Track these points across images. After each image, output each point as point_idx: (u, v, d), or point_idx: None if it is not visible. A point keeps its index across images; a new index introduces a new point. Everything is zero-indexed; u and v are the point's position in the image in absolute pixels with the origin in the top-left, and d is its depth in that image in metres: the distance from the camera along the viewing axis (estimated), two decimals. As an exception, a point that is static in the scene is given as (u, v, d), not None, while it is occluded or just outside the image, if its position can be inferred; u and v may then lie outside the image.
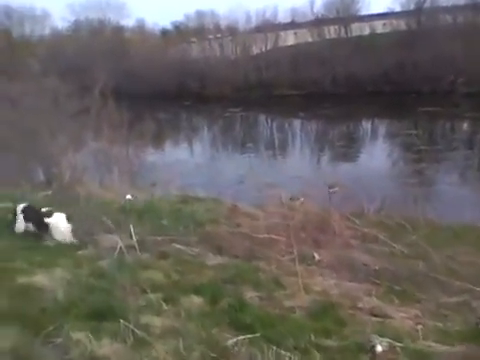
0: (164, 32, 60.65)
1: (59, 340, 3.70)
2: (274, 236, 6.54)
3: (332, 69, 32.50)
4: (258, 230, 7.39)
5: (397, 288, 5.09)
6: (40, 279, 5.11)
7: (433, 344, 3.96)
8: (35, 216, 6.97)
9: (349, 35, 37.80)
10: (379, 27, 37.46)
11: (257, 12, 42.23)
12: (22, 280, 5.07)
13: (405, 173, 17.61)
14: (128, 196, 11.10)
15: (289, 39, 40.86)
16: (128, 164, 14.14)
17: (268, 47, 40.27)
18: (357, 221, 7.68)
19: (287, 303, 4.62)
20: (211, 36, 44.89)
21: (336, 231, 7.30)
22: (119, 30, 47.89)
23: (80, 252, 6.34)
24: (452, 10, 32.95)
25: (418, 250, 6.75)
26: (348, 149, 22.33)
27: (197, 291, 4.80)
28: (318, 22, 39.09)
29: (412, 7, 34.22)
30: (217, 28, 47.86)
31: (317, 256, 5.97)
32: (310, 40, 39.23)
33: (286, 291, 4.89)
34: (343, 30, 38.17)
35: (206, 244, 6.74)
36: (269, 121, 32.21)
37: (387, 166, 18.77)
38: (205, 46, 43.57)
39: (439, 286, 5.29)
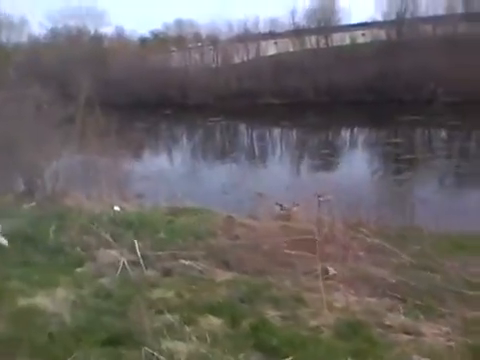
0: (143, 40, 60.27)
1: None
2: (291, 251, 6.25)
3: (314, 78, 32.54)
4: (260, 242, 7.13)
5: (418, 303, 4.87)
6: (42, 301, 4.75)
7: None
8: None
9: (330, 45, 38.03)
10: (361, 37, 37.84)
11: (238, 22, 42.21)
12: (22, 302, 4.70)
13: (389, 182, 17.67)
14: (116, 207, 10.71)
15: (270, 49, 40.93)
16: (114, 175, 13.70)
17: (249, 57, 40.23)
18: (364, 231, 7.46)
19: (312, 322, 4.36)
20: (191, 45, 44.67)
21: (342, 242, 7.09)
22: (98, 38, 47.20)
23: (79, 269, 5.97)
24: (432, 20, 33.55)
25: (427, 261, 6.60)
26: (332, 158, 22.29)
27: (214, 311, 4.50)
28: (299, 32, 39.24)
29: (393, 17, 34.59)
30: (198, 37, 47.72)
31: (332, 270, 5.73)
32: (291, 50, 39.40)
33: (309, 309, 4.63)
34: (324, 40, 38.42)
35: (211, 259, 6.42)
36: (252, 130, 32.06)
37: (370, 175, 18.79)
38: (186, 55, 43.26)
39: (460, 299, 5.10)
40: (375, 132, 28.55)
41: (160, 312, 4.35)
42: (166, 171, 19.97)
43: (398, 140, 24.71)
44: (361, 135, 28.93)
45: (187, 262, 6.00)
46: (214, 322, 4.31)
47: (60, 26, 47.15)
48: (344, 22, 39.85)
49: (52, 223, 8.26)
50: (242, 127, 33.10)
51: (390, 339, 4.06)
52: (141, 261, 5.72)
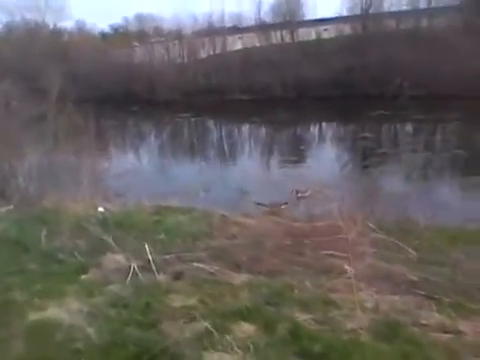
0: (103, 35, 58.74)
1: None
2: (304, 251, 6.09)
3: (282, 74, 32.46)
4: (262, 241, 6.94)
5: (446, 300, 4.80)
6: (54, 313, 4.41)
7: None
8: None
9: (296, 40, 38.12)
10: (326, 32, 38.08)
11: (203, 16, 41.74)
12: (34, 316, 4.35)
13: (363, 177, 17.79)
14: (100, 208, 10.28)
15: (237, 43, 40.63)
16: (91, 174, 13.17)
17: (216, 51, 39.81)
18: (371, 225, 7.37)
19: (348, 325, 4.20)
20: (154, 40, 43.80)
21: (349, 238, 6.98)
22: (58, 32, 45.60)
23: (83, 276, 5.60)
24: (396, 15, 34.16)
25: (435, 255, 6.58)
26: (304, 154, 22.30)
27: (244, 317, 4.28)
28: (265, 27, 39.16)
29: (358, 12, 34.97)
30: (160, 32, 46.91)
31: (349, 268, 5.59)
32: (257, 45, 39.24)
33: (341, 311, 4.47)
34: (289, 35, 38.47)
35: (219, 260, 6.17)
36: (222, 127, 31.66)
37: (342, 170, 18.84)
38: (149, 50, 42.34)
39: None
40: (344, 127, 28.83)
41: (189, 321, 4.09)
42: (138, 170, 19.59)
43: (367, 134, 24.95)
44: (330, 130, 29.14)
45: (199, 265, 5.72)
46: (248, 329, 4.08)
47: (17, 19, 45.24)
48: (309, 17, 40.12)
49: (37, 227, 7.84)
50: (212, 123, 32.65)
51: (432, 339, 3.95)
52: (153, 266, 5.40)
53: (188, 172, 19.77)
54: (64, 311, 4.41)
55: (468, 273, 5.65)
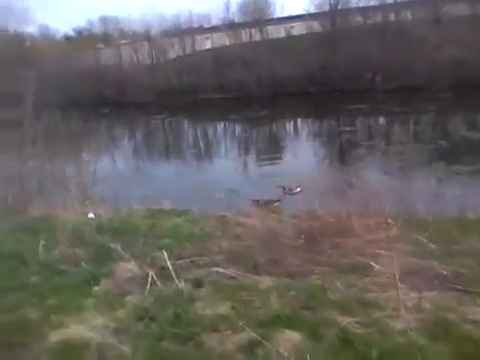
0: (67, 38, 57.30)
1: None
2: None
3: (256, 72, 32.37)
4: (272, 240, 6.67)
5: (486, 293, 4.62)
6: (78, 331, 4.00)
7: None
8: None
9: (265, 38, 37.98)
10: (295, 29, 38.12)
11: (171, 16, 41.20)
12: (56, 336, 3.93)
13: (346, 171, 17.72)
14: (90, 214, 9.83)
15: (206, 43, 40.28)
16: (74, 180, 12.62)
17: (186, 51, 39.35)
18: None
19: (396, 326, 3.96)
20: (124, 41, 43.00)
21: (359, 234, 6.78)
22: (21, 36, 44.22)
23: (96, 288, 5.20)
24: (364, 10, 34.47)
25: (455, 247, 6.42)
26: (282, 151, 22.25)
27: (285, 324, 3.98)
28: (234, 25, 38.93)
29: (326, 9, 35.10)
30: (127, 33, 46.11)
31: (375, 265, 5.38)
32: (227, 43, 38.98)
33: (384, 311, 4.22)
34: (259, 33, 38.33)
35: (236, 263, 5.85)
36: (199, 126, 31.13)
37: (323, 164, 18.84)
38: (116, 52, 41.51)
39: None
40: (322, 122, 28.75)
41: (228, 330, 3.77)
42: (118, 173, 19.01)
43: (346, 128, 25.08)
44: (308, 126, 29.00)
45: (218, 269, 5.40)
46: (294, 337, 3.79)
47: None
48: (278, 15, 40.10)
49: (31, 237, 7.37)
50: (187, 124, 32.13)
51: (489, 337, 3.76)
52: (173, 273, 5.04)
53: (169, 173, 19.35)
54: (88, 328, 4.01)
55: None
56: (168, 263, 5.20)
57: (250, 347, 3.58)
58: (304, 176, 14.92)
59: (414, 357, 3.42)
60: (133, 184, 16.54)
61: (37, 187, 12.06)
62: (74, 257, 6.44)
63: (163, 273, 5.39)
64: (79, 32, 61.72)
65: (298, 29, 38.68)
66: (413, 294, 4.68)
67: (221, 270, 5.44)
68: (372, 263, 5.42)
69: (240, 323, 3.97)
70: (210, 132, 29.43)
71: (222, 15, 40.75)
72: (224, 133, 29.07)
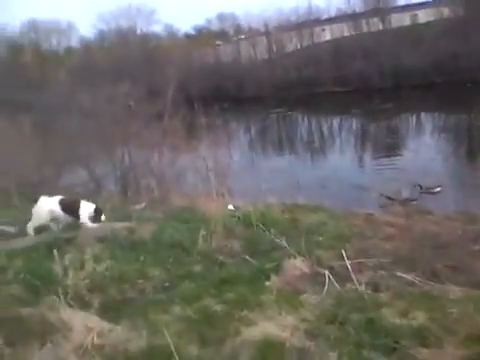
0: (187, 36, 59.84)
1: None
2: None
3: (378, 63, 30.97)
4: (447, 246, 6.11)
5: None
6: (270, 330, 3.86)
7: None
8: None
9: (388, 26, 36.22)
10: (421, 17, 35.89)
11: (289, 9, 41.11)
12: (248, 332, 3.84)
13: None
14: (230, 206, 9.93)
15: (325, 34, 39.53)
16: (215, 171, 12.92)
17: (304, 44, 38.96)
18: None
19: None
20: (244, 36, 43.81)
21: None
22: (148, 36, 47.26)
23: (268, 283, 5.11)
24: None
25: None
26: (408, 147, 20.66)
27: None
28: (355, 16, 37.66)
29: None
30: (244, 29, 47.00)
31: None
32: (346, 34, 37.87)
33: None
34: (381, 22, 36.68)
35: (406, 267, 5.42)
36: (320, 121, 30.50)
37: (450, 161, 17.28)
38: (235, 47, 42.38)
39: None
40: (449, 116, 26.58)
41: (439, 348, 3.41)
42: (244, 166, 19.10)
43: (477, 123, 22.97)
44: (435, 120, 26.95)
45: (397, 274, 5.03)
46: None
47: (112, 27, 47.50)
48: (401, 3, 38.07)
49: (185, 227, 7.53)
50: (306, 118, 31.61)
51: None
52: (352, 275, 4.78)
53: (289, 168, 19.06)
54: (279, 327, 3.88)
55: None
56: (347, 263, 4.93)
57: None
58: (443, 174, 13.97)
59: None
60: (255, 178, 16.59)
61: (176, 177, 12.56)
62: (229, 249, 6.50)
63: (334, 273, 5.16)
64: (199, 30, 64.26)
65: (423, 16, 36.35)
66: None
67: (400, 274, 5.05)
68: None
69: (447, 338, 3.58)
70: (333, 126, 28.62)
71: (342, 6, 39.67)
72: (343, 127, 28.06)
